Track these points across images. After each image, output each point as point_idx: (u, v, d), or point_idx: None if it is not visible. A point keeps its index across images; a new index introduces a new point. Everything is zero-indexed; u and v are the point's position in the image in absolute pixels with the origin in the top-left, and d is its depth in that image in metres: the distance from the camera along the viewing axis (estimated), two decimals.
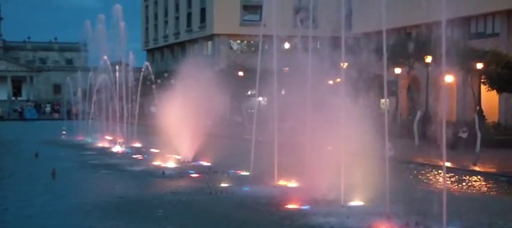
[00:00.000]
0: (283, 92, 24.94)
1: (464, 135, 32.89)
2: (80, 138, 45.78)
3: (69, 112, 61.74)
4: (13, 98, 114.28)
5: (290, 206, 18.59)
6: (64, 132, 49.43)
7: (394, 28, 43.97)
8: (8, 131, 57.40)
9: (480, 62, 36.92)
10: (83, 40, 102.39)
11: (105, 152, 37.35)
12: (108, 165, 30.08)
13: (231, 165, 26.48)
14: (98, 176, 26.55)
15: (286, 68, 25.72)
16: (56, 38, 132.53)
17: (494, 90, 39.10)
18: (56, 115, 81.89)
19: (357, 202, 18.71)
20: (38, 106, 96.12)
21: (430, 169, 26.85)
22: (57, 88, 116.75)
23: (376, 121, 20.55)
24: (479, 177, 25.48)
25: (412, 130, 35.17)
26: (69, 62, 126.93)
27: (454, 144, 31.45)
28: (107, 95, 44.78)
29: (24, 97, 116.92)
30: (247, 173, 24.67)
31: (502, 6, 46.09)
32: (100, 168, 29.02)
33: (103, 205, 19.21)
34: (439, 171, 24.77)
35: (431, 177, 25.38)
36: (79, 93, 55.08)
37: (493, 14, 47.95)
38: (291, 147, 22.35)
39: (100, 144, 41.21)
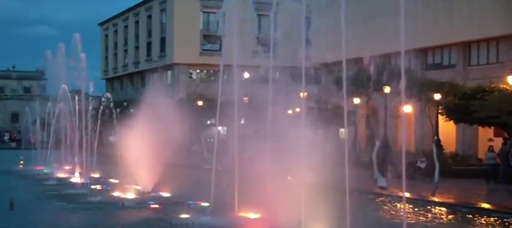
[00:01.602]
0: (242, 122, 24.90)
1: (423, 165, 33.19)
2: (38, 168, 45.06)
3: (27, 141, 60.83)
4: None
5: None
6: (22, 162, 48.61)
7: (352, 58, 44.27)
8: None
9: (437, 92, 37.38)
10: (42, 68, 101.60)
11: (63, 182, 36.81)
12: (67, 196, 29.60)
13: (191, 196, 26.24)
14: (56, 207, 26.05)
15: (246, 98, 25.70)
16: (14, 66, 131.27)
17: (452, 121, 39.59)
18: (13, 144, 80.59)
19: None
20: None
21: (389, 199, 26.92)
22: (14, 117, 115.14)
23: (335, 150, 20.57)
24: (438, 208, 25.63)
25: (370, 160, 35.34)
26: (27, 90, 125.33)
27: (412, 174, 31.66)
28: (66, 124, 44.21)
29: None
30: (208, 204, 24.46)
31: (458, 38, 46.85)
32: (58, 199, 28.51)
33: None
34: (399, 202, 24.85)
35: (390, 208, 25.44)
36: (37, 122, 54.37)
37: (450, 46, 48.72)
38: (251, 177, 22.22)
39: (58, 175, 40.60)
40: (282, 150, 20.25)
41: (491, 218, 23.16)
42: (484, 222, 22.75)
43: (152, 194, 29.00)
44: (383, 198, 27.44)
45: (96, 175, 37.78)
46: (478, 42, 46.49)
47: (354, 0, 42.91)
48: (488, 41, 45.73)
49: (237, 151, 23.19)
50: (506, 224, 22.29)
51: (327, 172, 18.52)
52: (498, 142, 38.93)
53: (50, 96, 50.17)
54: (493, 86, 35.02)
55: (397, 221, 21.15)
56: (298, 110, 21.29)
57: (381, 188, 29.76)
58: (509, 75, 33.91)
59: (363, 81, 42.92)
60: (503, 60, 43.65)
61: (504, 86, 33.83)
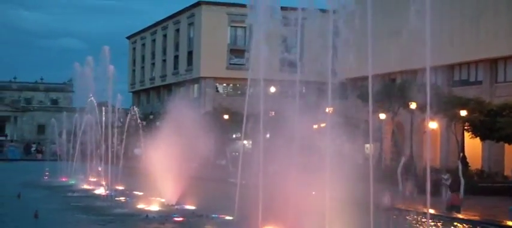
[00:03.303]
0: (268, 136, 24.79)
1: (448, 183, 32.83)
2: (63, 179, 45.28)
3: (52, 153, 61.23)
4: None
5: None
6: (47, 173, 48.90)
7: (378, 74, 44.16)
8: None
9: (463, 109, 37.05)
10: (69, 81, 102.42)
11: (88, 194, 36.93)
12: (91, 207, 29.69)
13: (215, 209, 26.17)
14: (79, 219, 26.13)
15: (272, 112, 25.63)
16: (42, 78, 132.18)
17: (478, 138, 39.22)
18: (39, 155, 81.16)
19: None
20: (26, 146, 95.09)
21: (413, 215, 26.64)
22: (41, 128, 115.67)
23: (361, 166, 20.44)
24: (463, 224, 25.33)
25: (396, 176, 35.08)
26: (54, 102, 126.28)
27: (438, 191, 31.29)
28: (92, 136, 44.45)
29: (8, 137, 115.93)
30: (231, 218, 24.36)
31: (485, 55, 46.46)
32: (82, 210, 28.61)
33: None
34: (423, 218, 24.57)
35: (415, 224, 25.18)
36: (64, 134, 54.67)
37: (477, 63, 48.31)
38: (275, 191, 22.10)
39: (83, 186, 40.77)
40: (306, 164, 20.15)
41: None
42: None
43: (176, 206, 28.99)
44: (408, 214, 27.12)
45: (121, 187, 37.90)
46: (504, 58, 46.03)
47: (380, 14, 42.64)
48: None
49: (261, 165, 23.10)
50: None
51: (351, 187, 18.39)
52: None
53: (77, 108, 50.51)
54: None
55: None
56: (323, 125, 21.20)
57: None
58: None
59: (389, 96, 42.73)
60: None
61: None
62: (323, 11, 20.36)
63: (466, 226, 25.09)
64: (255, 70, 24.64)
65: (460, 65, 49.58)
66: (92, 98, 44.60)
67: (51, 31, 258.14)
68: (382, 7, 47.28)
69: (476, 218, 26.71)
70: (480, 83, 47.79)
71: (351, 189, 18.48)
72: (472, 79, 49.21)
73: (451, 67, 49.48)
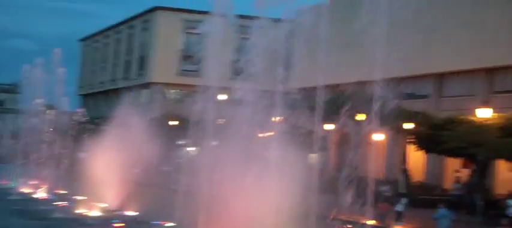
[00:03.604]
0: (214, 143, 24.57)
1: (388, 194, 33.10)
2: (4, 182, 44.20)
3: None
4: None
5: None
6: None
7: (327, 85, 44.33)
8: None
9: (410, 122, 37.33)
10: (17, 82, 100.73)
11: (28, 197, 36.17)
12: (29, 211, 29.06)
13: (157, 216, 25.81)
14: (16, 224, 25.49)
15: (221, 120, 25.45)
16: None
17: (422, 151, 39.58)
18: None
19: None
20: None
21: (354, 226, 26.66)
22: None
23: (305, 176, 20.37)
24: None
25: (339, 186, 35.10)
26: (0, 103, 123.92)
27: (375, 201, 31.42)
28: (36, 139, 43.59)
29: None
30: (173, 224, 24.06)
31: (432, 70, 47.01)
32: (20, 214, 27.92)
33: None
34: None
35: None
36: (7, 136, 53.67)
37: (424, 77, 48.85)
38: (219, 200, 21.88)
39: (24, 189, 39.87)
40: (252, 172, 19.99)
41: None
42: None
43: (117, 212, 28.55)
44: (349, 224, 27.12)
45: (63, 191, 37.21)
46: (451, 74, 46.70)
47: (331, 26, 42.78)
48: (461, 73, 45.94)
49: (206, 172, 22.87)
50: None
51: (295, 196, 18.31)
52: (465, 173, 39.08)
53: (22, 110, 49.56)
54: (462, 118, 35.04)
55: None
56: (271, 133, 21.13)
57: None
58: (478, 107, 33.91)
59: (337, 107, 42.94)
60: (475, 93, 43.84)
61: (473, 118, 33.84)
62: (277, 20, 20.31)
63: None
64: (206, 77, 24.52)
65: (408, 78, 50.08)
66: (39, 100, 43.81)
67: (2, 31, 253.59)
68: (333, 19, 47.50)
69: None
70: (427, 96, 48.34)
71: (295, 198, 18.40)
72: (419, 93, 49.74)
73: (399, 80, 49.90)
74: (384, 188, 32.83)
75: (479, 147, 30.61)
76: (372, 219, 24.29)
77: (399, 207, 29.23)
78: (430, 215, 29.74)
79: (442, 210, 27.93)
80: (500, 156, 32.61)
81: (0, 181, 44.50)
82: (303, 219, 18.07)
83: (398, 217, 28.44)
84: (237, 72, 24.01)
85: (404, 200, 29.85)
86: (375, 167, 28.24)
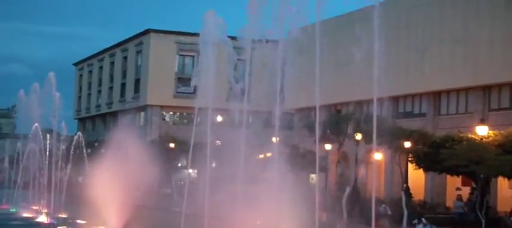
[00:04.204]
0: (213, 165, 24.65)
1: (388, 212, 33.18)
2: (4, 207, 44.10)
3: None
4: None
5: None
6: None
7: (324, 105, 44.48)
8: None
9: (408, 140, 37.43)
10: (13, 106, 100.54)
11: (29, 222, 36.11)
12: None
13: None
14: None
15: (218, 141, 25.51)
16: None
17: (421, 169, 39.66)
18: None
19: None
20: None
21: None
22: None
23: (306, 196, 20.43)
24: None
25: (341, 205, 35.20)
26: None
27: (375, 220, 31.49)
28: (35, 163, 43.54)
29: None
30: None
31: (429, 88, 47.21)
32: None
33: None
34: None
35: None
36: (6, 161, 53.57)
37: (421, 95, 49.03)
38: (221, 221, 21.92)
39: (25, 214, 39.81)
40: (252, 194, 20.05)
41: None
42: None
43: None
44: None
45: (64, 215, 37.12)
46: (447, 91, 46.85)
47: (327, 46, 42.94)
48: (458, 91, 46.13)
49: (207, 194, 22.92)
50: None
51: (298, 217, 18.35)
52: (466, 191, 39.09)
53: (20, 134, 49.52)
54: (461, 135, 35.16)
55: None
56: (269, 154, 21.16)
57: None
58: (477, 125, 34.05)
59: (335, 127, 43.06)
60: (472, 110, 43.96)
61: (472, 135, 33.97)
62: (272, 42, 20.41)
63: None
64: (202, 99, 24.56)
65: (405, 97, 50.27)
66: (36, 124, 43.81)
67: None
68: (329, 39, 47.76)
69: None
70: (424, 115, 48.48)
71: (297, 219, 18.44)
72: (416, 111, 49.90)
73: (396, 99, 50.13)
74: (380, 207, 32.93)
75: (479, 164, 30.68)
76: None
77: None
78: None
79: (420, 225, 29.26)
80: (501, 173, 32.67)
81: (0, 206, 44.42)
82: None
83: None
84: (233, 94, 24.14)
85: (424, 220, 29.95)
86: (374, 186, 28.34)
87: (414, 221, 29.86)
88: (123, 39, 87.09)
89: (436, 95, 47.74)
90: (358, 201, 36.71)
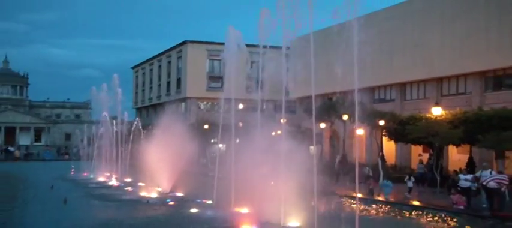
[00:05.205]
0: (237, 141, 24.74)
1: (370, 173, 33.14)
2: (85, 174, 44.60)
3: (76, 154, 60.24)
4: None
5: (243, 226, 18.25)
6: (72, 170, 48.11)
7: (319, 94, 44.46)
8: (30, 169, 55.58)
9: (382, 120, 37.36)
10: (88, 100, 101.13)
11: (103, 185, 36.48)
12: (105, 195, 29.31)
13: (199, 196, 26.00)
14: (97, 204, 25.76)
15: (240, 123, 25.60)
16: (68, 99, 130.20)
17: (392, 141, 39.61)
18: (66, 157, 79.62)
19: (294, 223, 18.46)
20: (58, 150, 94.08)
21: (347, 199, 26.78)
22: (68, 136, 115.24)
23: (307, 162, 20.46)
24: (381, 205, 25.62)
25: (333, 169, 35.21)
26: (77, 116, 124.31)
27: (363, 180, 31.48)
28: (106, 142, 43.93)
29: (43, 143, 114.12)
30: (211, 202, 24.24)
31: (396, 80, 47.11)
32: (99, 197, 28.22)
33: (99, 223, 18.59)
34: (353, 200, 24.73)
35: (348, 204, 25.31)
36: (84, 140, 54.02)
37: (391, 86, 48.89)
38: (244, 182, 22.01)
39: (100, 179, 40.20)
40: (267, 162, 20.12)
41: (419, 212, 23.13)
42: (414, 216, 22.69)
43: (170, 194, 28.73)
44: (343, 198, 27.21)
45: (128, 179, 37.48)
46: (411, 83, 46.70)
47: (320, 51, 43.07)
48: (418, 82, 45.93)
49: (233, 163, 23.03)
50: (432, 217, 22.19)
51: (300, 179, 18.41)
52: (425, 157, 39.02)
53: (94, 120, 49.88)
54: (421, 115, 35.11)
55: (351, 212, 20.98)
56: (279, 132, 21.23)
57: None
58: (433, 107, 33.95)
59: (327, 111, 42.99)
60: (429, 96, 43.81)
61: (429, 115, 33.91)
62: (278, 47, 20.44)
63: (383, 205, 25.35)
64: (227, 91, 24.66)
65: (379, 87, 50.12)
66: (105, 113, 44.17)
67: (75, 63, 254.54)
68: (321, 45, 47.56)
69: (392, 200, 27.03)
70: (393, 100, 48.34)
71: (300, 180, 18.51)
72: (388, 98, 49.74)
73: (372, 89, 50.03)
74: (365, 169, 32.92)
75: (435, 136, 30.63)
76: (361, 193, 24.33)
77: (410, 184, 29.49)
78: (402, 187, 29.91)
79: (385, 181, 29.38)
80: (451, 143, 32.70)
81: (82, 174, 44.89)
82: (308, 195, 18.16)
83: (409, 191, 28.73)
84: (250, 87, 24.24)
85: (412, 179, 29.99)
86: (357, 154, 28.43)
87: (406, 179, 29.98)
88: (167, 48, 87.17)
89: (402, 86, 47.61)
90: (346, 166, 36.70)
